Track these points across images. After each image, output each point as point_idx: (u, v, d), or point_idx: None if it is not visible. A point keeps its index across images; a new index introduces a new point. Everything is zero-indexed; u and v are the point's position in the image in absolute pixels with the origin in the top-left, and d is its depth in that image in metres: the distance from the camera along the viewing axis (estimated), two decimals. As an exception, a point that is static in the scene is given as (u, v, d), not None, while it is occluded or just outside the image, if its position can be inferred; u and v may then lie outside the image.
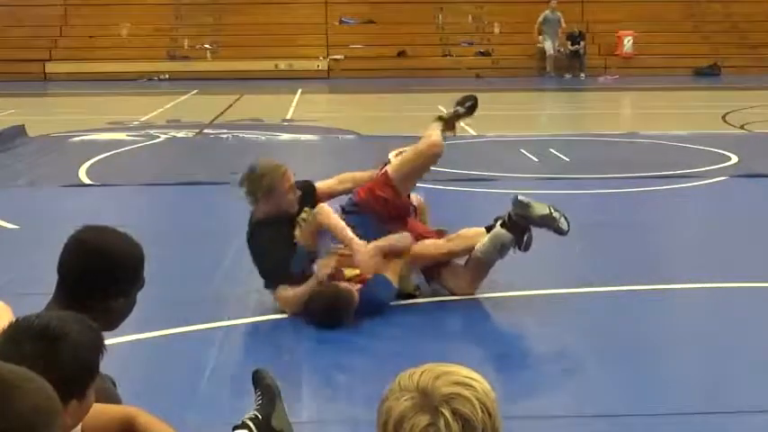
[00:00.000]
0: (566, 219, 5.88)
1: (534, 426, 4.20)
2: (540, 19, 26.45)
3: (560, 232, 5.89)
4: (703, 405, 4.41)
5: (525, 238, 5.88)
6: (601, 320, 5.75)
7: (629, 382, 4.74)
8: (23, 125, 14.20)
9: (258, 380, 4.07)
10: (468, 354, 4.98)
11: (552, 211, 5.84)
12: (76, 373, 2.39)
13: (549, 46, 26.55)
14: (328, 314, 5.37)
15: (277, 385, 4.03)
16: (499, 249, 5.85)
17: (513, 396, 4.35)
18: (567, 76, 26.54)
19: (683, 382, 4.73)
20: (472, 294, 5.89)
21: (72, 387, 2.22)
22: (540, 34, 26.57)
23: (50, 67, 26.67)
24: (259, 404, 3.96)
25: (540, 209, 5.83)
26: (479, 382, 1.87)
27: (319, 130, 15.25)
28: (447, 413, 1.81)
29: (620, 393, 4.62)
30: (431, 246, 5.91)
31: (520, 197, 5.88)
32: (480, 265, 5.91)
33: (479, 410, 1.82)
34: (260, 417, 3.88)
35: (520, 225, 5.85)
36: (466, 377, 1.87)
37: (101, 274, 3.15)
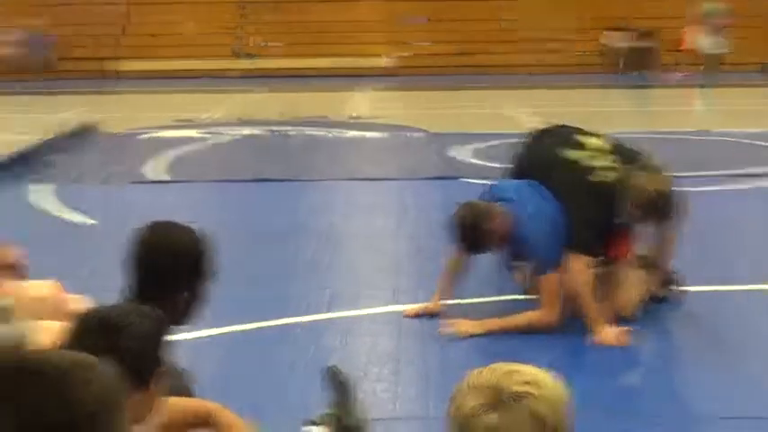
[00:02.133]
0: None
1: (614, 423, 4.15)
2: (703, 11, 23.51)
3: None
4: None
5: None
6: (683, 321, 5.67)
7: (711, 383, 4.67)
8: (94, 123, 14.38)
9: (332, 376, 4.08)
10: (544, 350, 4.94)
11: None
12: (139, 364, 2.41)
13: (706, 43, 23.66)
14: None
15: (351, 382, 4.03)
16: None
17: (590, 393, 4.30)
18: (636, 72, 26.26)
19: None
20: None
21: (135, 377, 2.24)
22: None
23: (119, 66, 26.97)
24: (332, 400, 3.96)
25: None
26: (549, 380, 1.87)
27: (386, 127, 15.24)
28: (516, 411, 1.80)
29: (709, 395, 4.55)
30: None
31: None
32: None
33: (549, 408, 1.82)
34: (332, 413, 3.89)
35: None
36: (535, 375, 1.87)
37: (167, 269, 3.19)
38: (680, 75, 25.42)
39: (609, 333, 5.14)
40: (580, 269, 5.28)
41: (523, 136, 6.16)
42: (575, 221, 5.31)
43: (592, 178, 5.42)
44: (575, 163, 5.48)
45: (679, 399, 4.58)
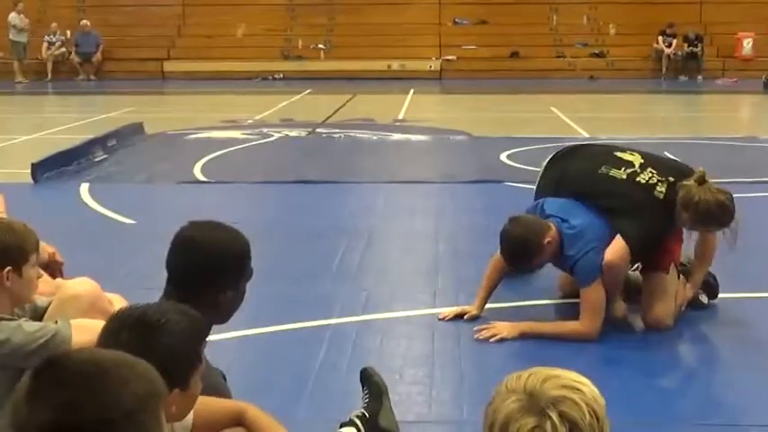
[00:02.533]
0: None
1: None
2: None
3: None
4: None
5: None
6: (722, 327, 5.63)
7: (751, 391, 4.63)
8: (141, 123, 14.52)
9: (366, 378, 4.09)
10: (579, 356, 4.93)
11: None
12: (175, 362, 2.41)
13: None
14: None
15: (385, 383, 4.05)
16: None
17: (626, 401, 4.29)
18: (683, 78, 26.08)
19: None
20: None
21: (172, 376, 2.23)
22: None
23: (168, 66, 27.21)
24: (366, 402, 3.98)
25: None
26: (587, 386, 1.86)
27: (431, 130, 15.25)
28: (554, 416, 1.80)
29: (743, 402, 4.53)
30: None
31: None
32: None
33: (587, 414, 1.81)
34: (367, 415, 3.90)
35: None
36: (574, 381, 1.86)
37: (205, 269, 3.22)
38: (728, 80, 25.20)
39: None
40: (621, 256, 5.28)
41: (556, 151, 6.11)
42: (634, 238, 5.32)
43: (647, 194, 5.40)
44: (624, 181, 5.45)
45: (717, 404, 4.54)
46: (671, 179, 5.43)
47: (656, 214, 5.38)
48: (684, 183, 5.32)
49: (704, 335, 5.57)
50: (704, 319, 5.74)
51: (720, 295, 5.94)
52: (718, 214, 5.31)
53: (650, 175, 5.46)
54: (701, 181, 5.31)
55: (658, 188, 5.41)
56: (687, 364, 5.29)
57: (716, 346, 5.50)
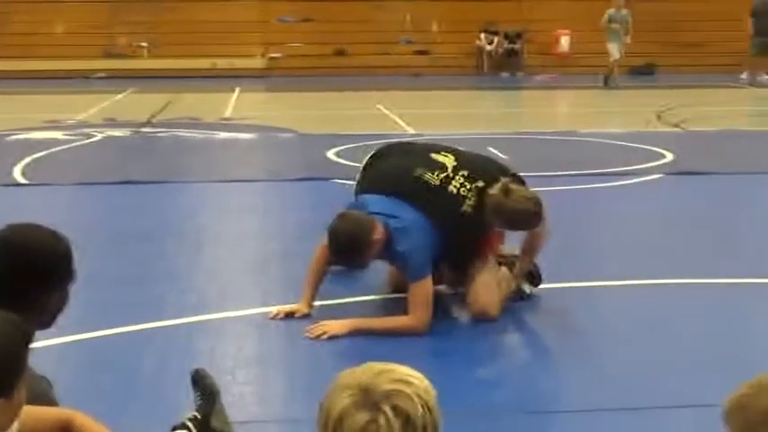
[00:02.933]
0: None
1: (477, 422, 4.22)
2: (605, 18, 22.95)
3: None
4: (643, 400, 4.45)
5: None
6: (540, 317, 5.80)
7: (573, 378, 4.79)
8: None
9: (197, 379, 4.05)
10: (409, 350, 4.99)
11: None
12: None
13: (614, 49, 22.94)
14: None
15: (217, 385, 4.02)
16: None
17: (455, 392, 4.37)
18: (504, 74, 26.69)
19: (623, 378, 4.77)
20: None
21: None
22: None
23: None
24: (198, 404, 3.94)
25: None
26: (419, 379, 1.89)
27: (257, 128, 15.19)
28: (387, 409, 1.82)
29: (565, 388, 4.67)
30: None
31: None
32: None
33: (419, 407, 1.84)
34: (199, 417, 3.87)
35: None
36: (406, 374, 1.89)
37: (26, 272, 3.13)
38: (548, 77, 25.94)
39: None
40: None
41: (376, 149, 6.20)
42: (444, 244, 5.45)
43: (455, 209, 5.53)
44: (436, 189, 5.56)
45: (539, 392, 4.67)
46: (480, 185, 5.57)
47: (459, 230, 5.54)
48: (491, 192, 5.46)
49: (528, 324, 5.73)
50: (528, 308, 5.90)
51: (543, 285, 6.11)
52: (524, 220, 5.54)
53: (461, 181, 5.59)
54: (506, 191, 5.45)
55: (468, 202, 5.56)
56: (512, 353, 5.43)
57: (539, 335, 5.66)
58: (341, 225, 5.36)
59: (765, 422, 2.03)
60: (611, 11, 22.77)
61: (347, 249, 5.37)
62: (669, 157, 11.65)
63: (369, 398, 1.83)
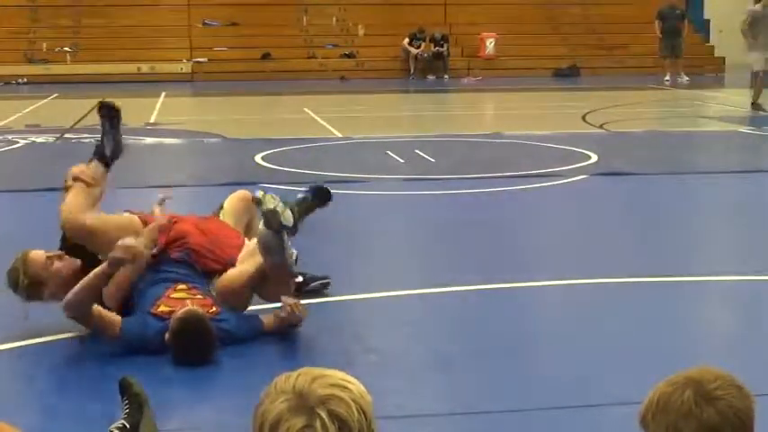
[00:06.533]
0: (292, 212, 5.26)
1: (407, 425, 4.22)
2: (749, 19, 17.53)
3: (287, 228, 5.22)
4: (569, 399, 4.49)
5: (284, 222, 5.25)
6: (462, 319, 5.82)
7: (493, 380, 4.81)
8: None
9: (125, 388, 4.01)
10: (335, 355, 4.98)
11: (277, 204, 5.21)
12: None
13: (756, 57, 17.42)
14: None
15: (145, 393, 3.98)
16: (270, 250, 5.25)
17: (384, 396, 4.37)
18: (431, 77, 26.81)
19: (546, 379, 4.81)
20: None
21: None
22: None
23: None
24: (126, 412, 3.90)
25: (269, 202, 5.23)
26: (355, 384, 1.90)
27: (184, 133, 15.09)
28: (323, 414, 1.82)
29: (486, 390, 4.69)
30: (236, 278, 5.47)
31: (257, 192, 5.33)
32: (274, 271, 5.32)
33: (355, 411, 1.85)
34: (128, 425, 3.82)
35: (268, 217, 5.26)
36: (342, 380, 1.89)
37: None
38: (473, 79, 26.09)
39: None
40: None
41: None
42: None
43: None
44: None
45: (470, 393, 4.69)
46: None
47: None
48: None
49: (460, 326, 5.73)
50: (458, 309, 5.91)
51: (475, 286, 6.12)
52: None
53: None
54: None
55: None
56: (446, 354, 5.38)
57: (470, 337, 5.67)
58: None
59: (686, 415, 2.06)
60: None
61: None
62: (594, 158, 11.79)
63: (304, 403, 1.83)
